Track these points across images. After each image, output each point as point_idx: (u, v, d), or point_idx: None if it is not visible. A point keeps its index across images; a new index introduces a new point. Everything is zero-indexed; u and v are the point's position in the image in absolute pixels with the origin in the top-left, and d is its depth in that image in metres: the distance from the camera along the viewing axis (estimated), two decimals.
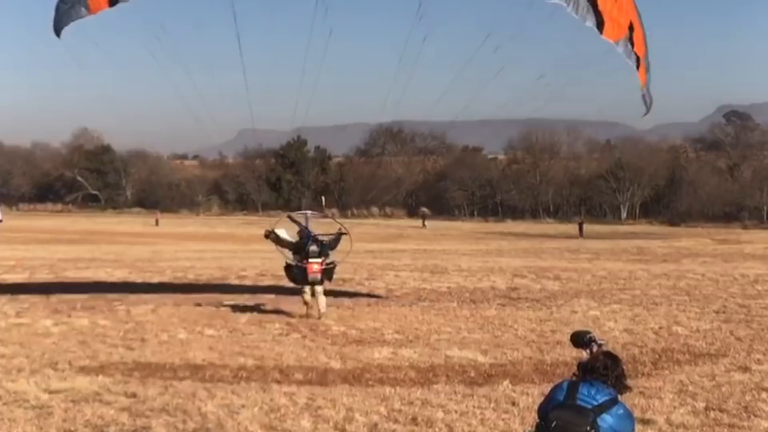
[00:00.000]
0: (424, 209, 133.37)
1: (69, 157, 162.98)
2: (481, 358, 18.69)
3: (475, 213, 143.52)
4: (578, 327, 17.24)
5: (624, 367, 8.04)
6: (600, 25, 17.28)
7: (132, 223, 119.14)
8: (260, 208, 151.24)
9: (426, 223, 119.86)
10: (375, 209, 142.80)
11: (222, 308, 25.98)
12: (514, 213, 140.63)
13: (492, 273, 38.84)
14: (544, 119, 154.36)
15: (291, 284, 25.82)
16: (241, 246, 69.85)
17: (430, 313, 25.41)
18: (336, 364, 18.02)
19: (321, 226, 26.31)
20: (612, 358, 7.97)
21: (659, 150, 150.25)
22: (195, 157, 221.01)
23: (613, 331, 22.04)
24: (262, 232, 25.71)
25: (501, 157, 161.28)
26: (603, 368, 7.86)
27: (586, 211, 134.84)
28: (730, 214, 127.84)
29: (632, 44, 18.36)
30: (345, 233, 25.38)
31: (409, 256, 52.66)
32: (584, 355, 8.20)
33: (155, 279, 34.32)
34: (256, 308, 26.02)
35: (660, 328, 22.80)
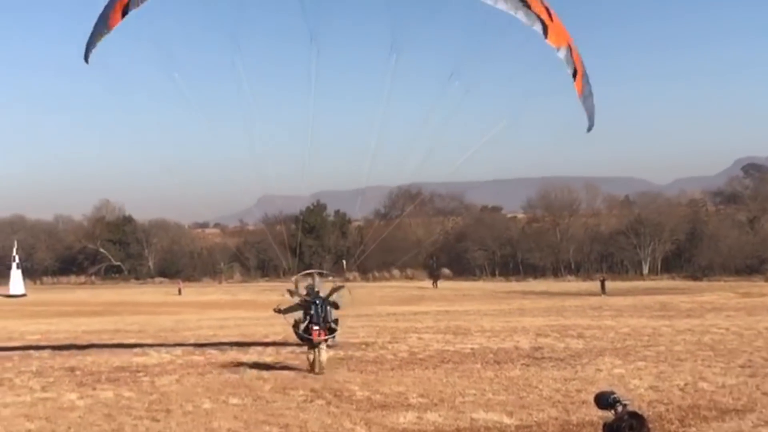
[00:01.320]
0: (445, 270, 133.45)
1: (91, 230, 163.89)
2: (506, 420, 18.63)
3: (497, 272, 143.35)
4: (603, 386, 17.21)
5: (649, 426, 8.04)
6: (544, 31, 19.52)
7: (155, 292, 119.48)
8: (282, 274, 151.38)
9: (438, 283, 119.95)
10: (396, 271, 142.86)
11: (246, 376, 25.98)
12: (536, 271, 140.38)
13: (515, 333, 38.72)
14: (562, 177, 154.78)
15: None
16: (263, 312, 69.81)
17: (455, 375, 25.34)
18: (361, 430, 17.99)
19: (328, 286, 27.75)
20: (637, 418, 7.97)
21: (678, 204, 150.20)
22: (216, 225, 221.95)
23: (638, 389, 21.94)
24: (278, 303, 27.91)
25: (520, 215, 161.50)
26: (629, 429, 7.86)
27: (608, 267, 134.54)
28: (751, 266, 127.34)
29: (572, 59, 20.45)
30: (341, 286, 27.15)
31: (432, 318, 52.53)
32: (610, 415, 8.20)
33: (179, 349, 34.34)
34: (279, 375, 26.01)
35: (686, 384, 22.69)
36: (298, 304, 26.88)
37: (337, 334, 27.04)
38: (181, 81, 23.30)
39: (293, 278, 28.33)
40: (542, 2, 20.19)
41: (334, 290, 27.11)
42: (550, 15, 20.20)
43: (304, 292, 27.14)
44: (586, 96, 22.22)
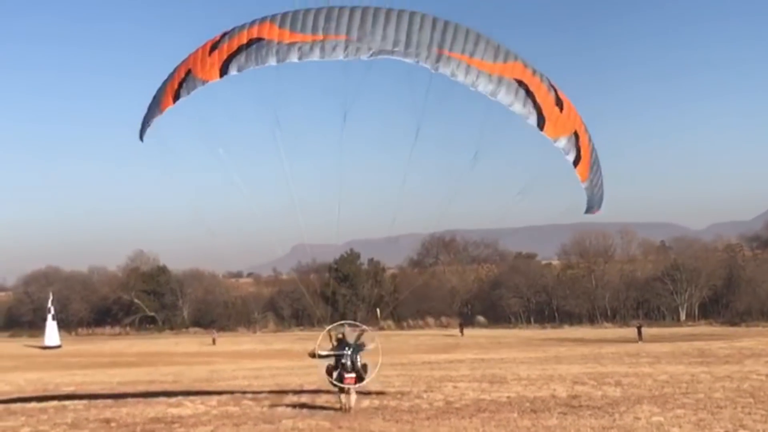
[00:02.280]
0: (480, 317, 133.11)
1: (125, 280, 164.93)
2: None
3: (532, 320, 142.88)
4: None
5: None
6: (541, 124, 20.78)
7: (189, 342, 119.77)
8: (316, 323, 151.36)
9: (464, 331, 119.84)
10: (430, 319, 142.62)
11: (281, 427, 25.87)
12: (571, 318, 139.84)
13: (552, 381, 38.38)
14: (596, 222, 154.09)
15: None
16: (298, 362, 69.78)
17: (491, 424, 25.10)
18: None
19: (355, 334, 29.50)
20: None
21: (715, 249, 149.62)
22: (249, 274, 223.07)
23: None
24: (308, 352, 29.81)
25: (555, 262, 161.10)
26: None
27: (644, 314, 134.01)
28: None
29: (577, 147, 21.54)
30: (365, 329, 29.37)
31: (467, 366, 52.26)
32: None
33: (213, 399, 34.27)
34: (315, 425, 25.88)
35: None
36: (329, 355, 28.55)
37: (367, 380, 28.53)
38: (225, 156, 24.70)
39: (326, 329, 29.60)
40: (549, 91, 21.25)
41: (359, 337, 28.93)
42: (558, 101, 21.31)
43: (335, 343, 28.76)
44: (593, 183, 23.08)
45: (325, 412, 29.02)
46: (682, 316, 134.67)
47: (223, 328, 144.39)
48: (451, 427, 24.97)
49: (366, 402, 31.36)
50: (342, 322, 30.02)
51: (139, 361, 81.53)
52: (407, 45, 20.28)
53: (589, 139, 22.49)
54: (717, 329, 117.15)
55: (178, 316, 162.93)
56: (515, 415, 27.09)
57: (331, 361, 28.49)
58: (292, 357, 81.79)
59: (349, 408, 28.23)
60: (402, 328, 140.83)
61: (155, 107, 22.72)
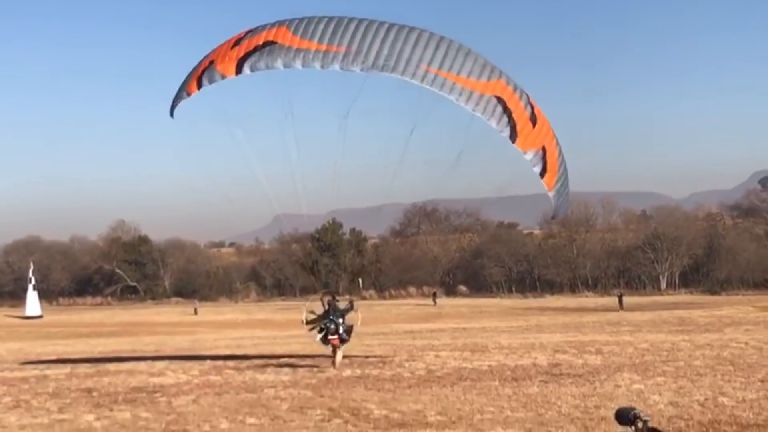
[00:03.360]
0: (461, 287, 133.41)
1: (107, 250, 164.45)
2: None
3: (513, 289, 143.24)
4: (622, 402, 17.09)
5: None
6: (513, 138, 22.88)
7: (171, 312, 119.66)
8: (298, 293, 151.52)
9: (437, 300, 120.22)
10: (412, 289, 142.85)
11: (263, 396, 25.90)
12: (553, 287, 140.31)
13: (533, 349, 38.55)
14: (578, 192, 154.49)
15: (331, 369, 31.33)
16: (280, 332, 69.87)
17: (472, 392, 25.20)
18: None
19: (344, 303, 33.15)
20: None
21: (695, 219, 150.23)
22: (231, 244, 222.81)
23: (658, 405, 21.77)
24: (301, 318, 33.22)
25: (536, 232, 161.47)
26: None
27: (625, 282, 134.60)
28: None
29: (544, 161, 23.55)
30: (351, 308, 32.60)
31: (449, 336, 52.41)
32: (630, 431, 8.11)
33: (195, 369, 34.28)
34: (296, 394, 25.92)
35: (705, 399, 22.50)
36: (319, 317, 32.13)
37: (345, 345, 32.38)
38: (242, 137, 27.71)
39: (321, 298, 33.43)
40: (525, 108, 23.39)
41: (346, 310, 32.33)
42: (532, 117, 23.51)
43: (326, 307, 32.19)
44: (560, 192, 25.13)
45: (307, 380, 29.10)
46: (663, 285, 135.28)
47: (204, 298, 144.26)
48: (432, 395, 25.04)
49: (348, 371, 31.44)
50: (329, 291, 34.47)
51: (120, 330, 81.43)
52: (397, 62, 22.42)
53: (559, 152, 24.61)
54: (697, 298, 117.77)
55: (159, 285, 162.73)
56: (496, 383, 27.20)
57: (320, 324, 31.90)
58: (274, 326, 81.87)
59: (335, 363, 31.82)
60: (384, 297, 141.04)
61: (182, 90, 25.12)
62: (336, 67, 22.79)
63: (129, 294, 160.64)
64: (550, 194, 24.73)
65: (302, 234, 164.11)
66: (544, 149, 23.68)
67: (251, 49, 23.49)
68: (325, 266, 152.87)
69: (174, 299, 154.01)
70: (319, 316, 32.42)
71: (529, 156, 23.41)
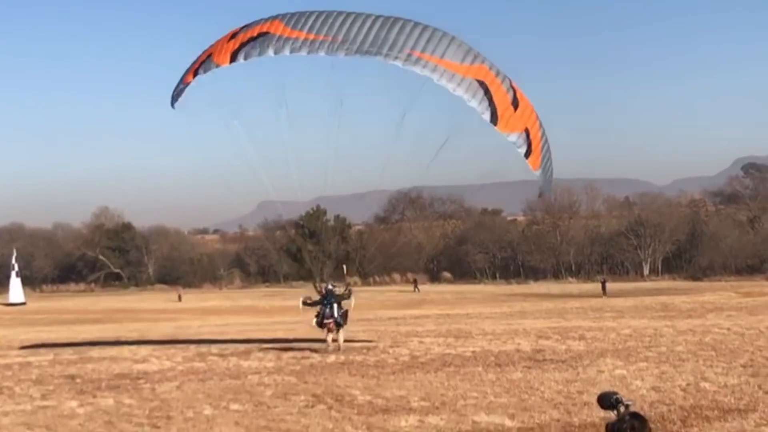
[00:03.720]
0: (446, 273, 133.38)
1: (90, 237, 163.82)
2: (508, 423, 18.57)
3: (497, 275, 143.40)
4: (605, 387, 17.14)
5: (651, 427, 7.98)
6: (494, 121, 23.40)
7: (154, 299, 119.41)
8: (282, 279, 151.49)
9: (418, 287, 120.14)
10: (397, 276, 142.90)
11: (247, 382, 25.93)
12: (536, 274, 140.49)
13: (516, 335, 38.68)
14: (562, 179, 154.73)
15: (314, 356, 31.76)
16: (264, 318, 69.89)
17: (456, 378, 25.29)
18: None
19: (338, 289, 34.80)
20: (639, 419, 7.91)
21: (678, 205, 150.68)
22: (215, 231, 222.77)
23: (640, 390, 21.89)
24: (298, 305, 35.29)
25: (520, 218, 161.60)
26: (630, 430, 7.80)
27: (608, 269, 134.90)
28: (752, 266, 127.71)
29: (528, 142, 24.16)
30: (349, 293, 34.53)
31: (433, 322, 52.51)
32: (612, 416, 8.14)
33: (179, 355, 34.28)
34: (280, 381, 25.96)
35: (687, 384, 22.63)
36: (316, 302, 33.91)
37: (344, 328, 34.09)
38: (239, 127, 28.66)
39: (314, 284, 36.54)
40: (508, 92, 24.02)
41: (342, 295, 34.08)
42: (515, 101, 24.11)
43: (323, 292, 34.03)
44: (545, 171, 25.85)
45: (291, 367, 29.14)
46: (646, 271, 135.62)
47: (188, 285, 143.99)
48: (416, 381, 25.12)
49: (332, 357, 31.51)
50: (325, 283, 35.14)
51: (104, 317, 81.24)
52: (380, 47, 23.24)
53: (542, 134, 25.20)
54: (680, 284, 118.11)
55: (143, 272, 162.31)
56: (480, 369, 27.30)
57: (317, 309, 33.77)
58: (259, 313, 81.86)
59: (339, 346, 33.48)
60: (368, 284, 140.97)
61: (180, 82, 26.63)
62: (322, 53, 23.73)
63: (112, 281, 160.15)
64: (537, 173, 25.40)
65: (286, 221, 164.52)
66: (527, 131, 24.26)
67: (245, 41, 24.64)
68: (309, 253, 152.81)
69: (158, 286, 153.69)
70: (315, 301, 34.14)
71: (512, 138, 23.98)
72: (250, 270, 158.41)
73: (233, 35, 25.31)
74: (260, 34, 24.50)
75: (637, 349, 31.07)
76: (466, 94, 23.27)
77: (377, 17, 24.04)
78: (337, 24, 23.85)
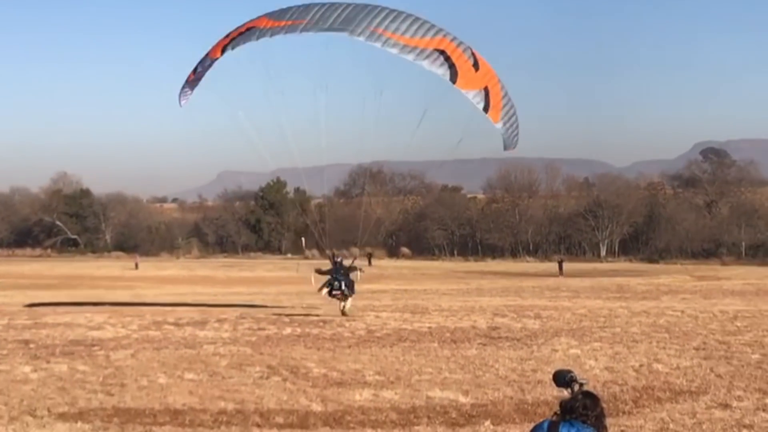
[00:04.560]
0: (404, 249, 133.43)
1: (48, 202, 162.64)
2: (462, 399, 18.65)
3: (455, 252, 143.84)
4: (559, 366, 17.25)
5: (603, 406, 8.05)
6: (454, 80, 25.70)
7: (111, 267, 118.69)
8: (240, 250, 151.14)
9: (372, 262, 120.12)
10: (355, 250, 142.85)
11: (202, 352, 25.87)
12: (494, 252, 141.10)
13: (473, 312, 38.82)
14: (522, 158, 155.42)
15: (270, 327, 31.74)
16: (222, 288, 69.73)
17: (411, 353, 25.36)
18: (317, 407, 17.94)
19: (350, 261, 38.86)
20: (591, 398, 7.98)
21: (637, 187, 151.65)
22: (174, 200, 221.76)
23: (593, 370, 22.05)
24: (311, 278, 39.20)
25: (480, 196, 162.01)
26: (582, 408, 7.87)
27: (566, 249, 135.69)
28: (708, 250, 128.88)
29: (487, 99, 26.38)
30: (356, 268, 38.62)
31: (390, 297, 52.61)
32: (566, 394, 8.20)
33: (135, 323, 34.13)
34: (236, 351, 25.92)
35: (640, 365, 22.81)
36: (327, 271, 37.80)
37: (351, 298, 37.75)
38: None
39: (330, 256, 39.46)
40: (468, 58, 26.33)
41: (351, 268, 37.97)
42: (475, 64, 26.48)
43: (334, 263, 37.72)
44: (506, 126, 28.01)
45: (247, 338, 29.11)
46: (603, 252, 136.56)
47: (146, 253, 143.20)
48: (372, 355, 25.17)
49: (288, 329, 31.51)
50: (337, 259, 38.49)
51: (60, 283, 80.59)
52: (348, 24, 25.54)
53: (504, 94, 27.50)
54: (636, 266, 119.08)
55: (100, 239, 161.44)
56: (436, 344, 27.39)
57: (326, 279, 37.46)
58: (216, 283, 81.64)
59: (346, 312, 36.91)
60: (326, 257, 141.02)
61: (185, 80, 29.77)
62: (296, 32, 26.27)
63: (69, 247, 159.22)
64: (497, 126, 27.50)
65: (246, 192, 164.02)
66: (486, 89, 26.50)
67: (235, 36, 27.84)
68: (269, 224, 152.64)
69: (114, 253, 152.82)
70: (326, 271, 38.03)
71: (471, 95, 26.27)
72: (208, 240, 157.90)
73: (227, 35, 28.46)
74: (248, 29, 27.52)
75: (591, 330, 31.27)
76: (426, 61, 25.49)
77: (349, 4, 26.32)
78: (313, 10, 26.28)
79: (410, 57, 25.52)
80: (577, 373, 8.39)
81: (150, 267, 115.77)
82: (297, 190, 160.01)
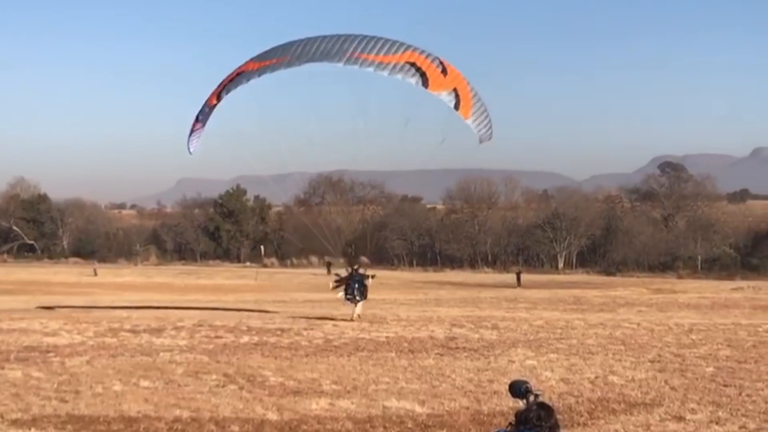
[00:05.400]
0: (363, 258, 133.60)
1: (5, 207, 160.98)
2: (418, 409, 18.68)
3: (414, 262, 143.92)
4: (515, 377, 17.30)
5: (557, 417, 8.11)
6: (426, 85, 27.97)
7: (68, 273, 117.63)
8: (198, 258, 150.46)
9: (331, 270, 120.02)
10: (314, 258, 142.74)
11: (158, 359, 25.75)
12: (453, 262, 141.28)
13: (430, 322, 38.91)
14: (482, 169, 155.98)
15: (227, 335, 31.58)
16: (179, 296, 69.36)
17: (369, 363, 25.38)
18: (273, 416, 17.91)
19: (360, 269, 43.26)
20: (545, 409, 8.04)
21: (595, 200, 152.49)
22: (133, 206, 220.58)
23: (549, 381, 22.16)
24: (330, 283, 45.74)
25: (440, 206, 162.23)
26: (536, 419, 7.92)
27: (524, 260, 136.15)
28: (664, 263, 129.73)
29: (457, 98, 28.70)
30: (369, 275, 43.27)
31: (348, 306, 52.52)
32: (521, 405, 8.25)
33: (91, 330, 33.90)
34: (192, 359, 25.82)
35: (596, 377, 22.96)
36: (344, 279, 42.44)
37: (361, 302, 41.85)
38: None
39: (346, 264, 45.70)
40: (437, 66, 28.58)
41: (366, 276, 42.62)
42: (444, 71, 28.73)
43: (349, 271, 42.84)
44: (478, 121, 29.94)
45: (204, 346, 29.00)
46: (561, 264, 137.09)
47: (103, 260, 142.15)
48: (329, 364, 25.17)
49: (245, 338, 31.43)
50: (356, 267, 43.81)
51: (16, 289, 79.82)
52: (327, 54, 28.12)
53: (473, 94, 29.72)
54: (593, 278, 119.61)
55: (57, 245, 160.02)
56: (393, 354, 27.43)
57: (342, 285, 42.38)
58: (174, 290, 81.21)
59: (358, 316, 40.68)
60: (285, 266, 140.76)
61: (191, 129, 31.68)
62: (281, 69, 28.82)
63: (26, 252, 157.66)
64: (468, 121, 29.58)
65: (205, 199, 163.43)
66: (455, 89, 28.87)
67: (227, 83, 30.08)
68: (228, 232, 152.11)
69: (72, 259, 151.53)
70: (343, 278, 42.63)
71: (443, 96, 28.61)
72: (167, 247, 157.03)
73: (220, 83, 30.82)
74: (238, 74, 29.96)
75: (548, 341, 31.43)
76: (400, 74, 27.90)
77: (325, 36, 28.97)
78: (293, 47, 28.95)
79: (385, 73, 28.07)
80: (533, 384, 8.46)
81: (108, 273, 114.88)
82: (257, 198, 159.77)
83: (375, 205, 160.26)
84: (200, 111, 31.59)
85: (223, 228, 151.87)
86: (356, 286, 41.90)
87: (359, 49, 28.24)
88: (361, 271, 43.46)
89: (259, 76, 29.29)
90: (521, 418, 8.01)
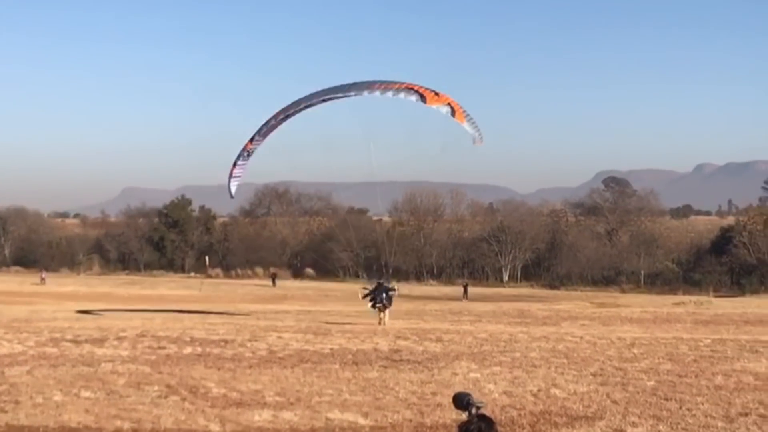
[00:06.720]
0: (308, 269, 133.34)
1: None
2: (362, 421, 18.68)
3: (360, 274, 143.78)
4: (459, 389, 17.35)
5: (499, 429, 8.14)
6: (424, 101, 35.76)
7: (9, 282, 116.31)
8: (142, 268, 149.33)
9: (276, 282, 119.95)
10: (259, 269, 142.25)
11: (100, 370, 25.52)
12: (399, 275, 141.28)
13: (375, 335, 38.90)
14: (428, 182, 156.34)
15: (170, 346, 31.17)
16: (122, 306, 68.77)
17: (312, 375, 25.32)
18: (215, 428, 17.82)
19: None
20: (486, 421, 8.07)
21: (540, 214, 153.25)
22: (77, 215, 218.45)
23: (492, 394, 22.23)
24: (359, 294, 51.60)
25: (386, 219, 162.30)
26: (477, 431, 7.95)
27: (469, 273, 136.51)
28: (608, 277, 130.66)
29: (452, 108, 36.36)
30: (393, 289, 50.46)
31: (293, 318, 52.49)
32: (464, 417, 8.28)
33: (32, 339, 33.52)
34: (135, 370, 25.62)
35: (539, 390, 23.06)
36: (371, 290, 48.86)
37: (388, 311, 48.16)
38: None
39: (376, 280, 50.60)
40: (431, 90, 36.20)
41: (390, 288, 49.40)
42: (436, 93, 36.19)
43: (374, 285, 49.32)
44: (472, 125, 37.06)
45: (146, 356, 28.78)
46: (505, 277, 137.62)
47: (46, 269, 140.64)
48: (272, 375, 25.08)
49: (189, 349, 31.23)
50: (381, 281, 50.22)
51: None
52: (341, 90, 37.34)
53: (463, 108, 36.83)
54: (537, 291, 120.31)
55: None
56: (337, 366, 27.39)
57: (369, 297, 48.54)
58: (117, 301, 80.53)
59: (385, 322, 46.88)
60: (230, 276, 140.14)
61: (229, 175, 40.57)
62: (303, 107, 37.97)
63: None
64: (464, 125, 36.76)
65: (150, 209, 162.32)
66: (449, 103, 36.47)
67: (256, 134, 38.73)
68: (172, 242, 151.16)
69: (13, 268, 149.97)
70: (371, 290, 48.98)
71: (442, 109, 36.16)
72: (110, 257, 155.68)
73: (250, 138, 39.24)
74: (265, 123, 38.84)
75: (492, 354, 31.52)
76: (402, 94, 35.72)
77: (344, 84, 38.03)
78: (315, 95, 38.13)
79: (389, 94, 35.78)
80: (476, 396, 8.48)
81: (50, 282, 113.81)
82: (202, 208, 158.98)
83: (321, 217, 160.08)
84: (238, 156, 38.51)
85: (167, 238, 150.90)
86: (384, 295, 48.05)
87: (365, 86, 36.03)
88: (386, 284, 49.85)
89: (286, 119, 38.18)
90: (463, 430, 8.04)
